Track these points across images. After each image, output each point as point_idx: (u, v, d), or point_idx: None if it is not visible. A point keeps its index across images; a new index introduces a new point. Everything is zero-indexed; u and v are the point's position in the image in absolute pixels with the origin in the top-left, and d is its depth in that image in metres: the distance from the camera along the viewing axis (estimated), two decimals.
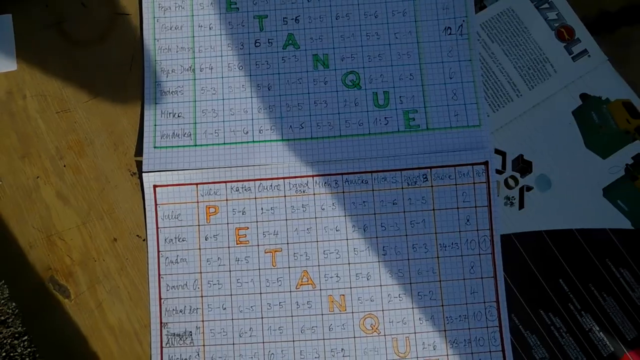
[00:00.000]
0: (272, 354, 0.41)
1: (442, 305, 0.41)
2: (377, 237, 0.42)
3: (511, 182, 0.43)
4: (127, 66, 0.44)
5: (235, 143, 0.43)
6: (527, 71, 0.44)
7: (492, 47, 0.44)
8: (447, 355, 0.41)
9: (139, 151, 0.44)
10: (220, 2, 0.45)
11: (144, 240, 0.43)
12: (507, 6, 0.44)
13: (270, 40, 0.44)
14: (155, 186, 0.43)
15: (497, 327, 0.41)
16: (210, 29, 0.45)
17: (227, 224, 0.43)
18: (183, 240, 0.42)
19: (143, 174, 0.43)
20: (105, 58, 0.45)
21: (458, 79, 0.43)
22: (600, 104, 0.43)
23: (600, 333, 0.41)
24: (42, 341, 0.42)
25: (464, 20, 0.44)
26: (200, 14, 0.45)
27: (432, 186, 0.42)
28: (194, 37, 0.44)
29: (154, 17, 0.45)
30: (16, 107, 0.44)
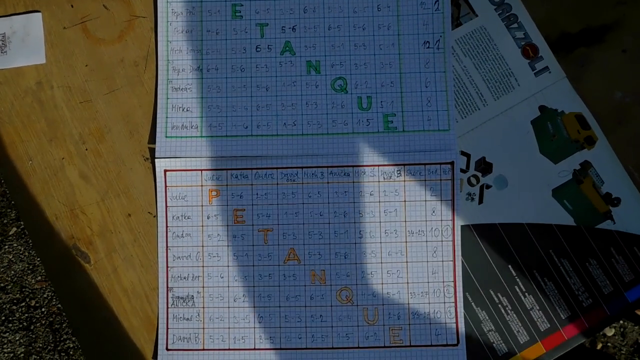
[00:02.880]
0: (261, 317, 0.48)
1: (407, 283, 0.48)
2: (354, 222, 0.48)
3: (473, 180, 0.49)
4: (143, 64, 0.50)
5: (236, 136, 0.49)
6: (493, 83, 0.49)
7: (465, 61, 0.49)
8: (409, 324, 0.48)
9: (152, 139, 0.49)
10: (227, 10, 0.50)
11: (154, 216, 0.49)
12: (480, 24, 0.49)
13: (269, 46, 0.50)
14: (165, 170, 0.49)
15: (453, 303, 0.48)
16: (217, 34, 0.50)
17: (227, 205, 0.49)
18: (188, 218, 0.49)
19: (155, 160, 0.49)
20: (123, 55, 0.50)
21: (433, 88, 0.49)
22: (556, 116, 0.49)
23: (540, 312, 0.48)
24: (66, 298, 0.49)
25: (441, 36, 0.49)
26: (209, 20, 0.50)
27: (404, 181, 0.48)
28: (202, 40, 0.50)
29: (168, 21, 0.50)
30: (45, 96, 0.50)
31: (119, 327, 0.48)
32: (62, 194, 0.49)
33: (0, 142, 0.49)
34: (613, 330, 1.04)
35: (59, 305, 0.95)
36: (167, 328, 0.48)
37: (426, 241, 0.48)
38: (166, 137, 0.49)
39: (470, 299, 0.48)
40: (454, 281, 0.48)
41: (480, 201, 0.49)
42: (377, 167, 0.48)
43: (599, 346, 1.03)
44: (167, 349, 0.47)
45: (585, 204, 0.48)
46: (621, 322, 1.04)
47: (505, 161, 0.49)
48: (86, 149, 0.49)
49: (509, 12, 0.49)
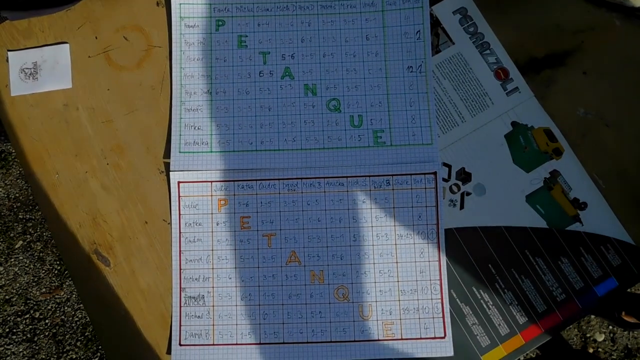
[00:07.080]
0: (266, 314, 0.52)
1: (398, 281, 0.53)
2: (349, 227, 0.53)
3: (454, 188, 0.54)
4: (159, 88, 0.56)
5: (242, 151, 0.54)
6: (470, 103, 0.55)
7: (444, 83, 0.56)
8: (400, 319, 0.52)
9: (167, 154, 0.54)
10: (233, 41, 0.56)
11: (169, 223, 0.54)
12: (457, 51, 0.56)
13: (271, 72, 0.55)
14: (179, 182, 0.54)
15: (439, 299, 0.52)
16: (224, 61, 0.56)
17: (234, 213, 0.54)
18: (199, 225, 0.53)
19: (170, 173, 0.54)
20: (141, 80, 0.55)
21: (416, 107, 0.55)
22: (526, 130, 0.55)
23: (518, 306, 0.53)
24: (88, 298, 0.53)
25: (422, 61, 0.55)
26: (218, 49, 0.56)
27: (393, 189, 0.54)
28: (212, 67, 0.55)
29: (181, 50, 0.56)
30: (71, 117, 0.55)
31: (136, 325, 0.52)
32: (86, 204, 0.54)
33: (30, 157, 0.55)
34: (603, 336, 1.07)
35: (63, 317, 0.98)
36: (180, 325, 0.52)
37: (414, 243, 0.53)
38: (180, 152, 0.54)
39: (454, 295, 0.52)
40: (440, 279, 0.52)
41: (462, 207, 0.54)
42: (368, 178, 0.54)
43: (590, 351, 1.06)
44: (180, 344, 0.52)
45: (555, 208, 0.53)
46: (611, 327, 1.07)
47: (482, 171, 0.54)
48: (107, 163, 0.55)
49: (482, 40, 0.56)
